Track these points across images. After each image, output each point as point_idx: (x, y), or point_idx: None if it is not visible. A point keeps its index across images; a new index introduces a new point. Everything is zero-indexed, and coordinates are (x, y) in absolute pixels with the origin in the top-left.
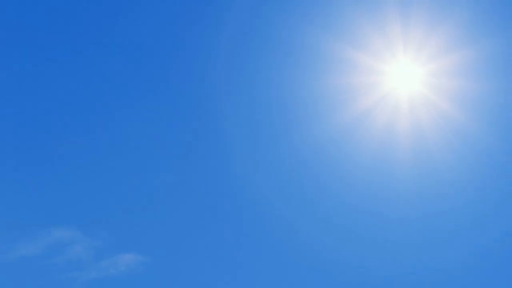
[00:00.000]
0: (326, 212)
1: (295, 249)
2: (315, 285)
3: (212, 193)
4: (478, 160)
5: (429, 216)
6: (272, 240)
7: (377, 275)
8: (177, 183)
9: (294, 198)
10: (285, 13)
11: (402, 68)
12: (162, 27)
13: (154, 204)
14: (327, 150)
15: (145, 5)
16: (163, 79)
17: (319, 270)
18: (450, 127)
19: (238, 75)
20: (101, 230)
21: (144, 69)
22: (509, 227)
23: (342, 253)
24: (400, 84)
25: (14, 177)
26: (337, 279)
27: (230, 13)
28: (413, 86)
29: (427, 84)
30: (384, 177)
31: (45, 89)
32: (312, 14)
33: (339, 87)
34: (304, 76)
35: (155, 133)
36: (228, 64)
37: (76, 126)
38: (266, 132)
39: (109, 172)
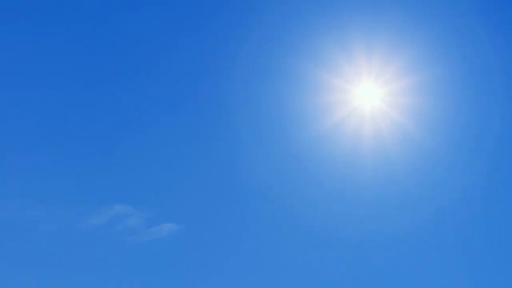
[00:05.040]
0: (315, 194)
1: (285, 217)
2: (303, 247)
3: (228, 178)
4: (426, 162)
5: (385, 203)
6: (271, 211)
7: (347, 241)
8: (203, 172)
9: (287, 184)
10: (279, 46)
11: (366, 88)
12: (194, 56)
13: (187, 187)
14: (312, 151)
15: (182, 41)
16: (192, 95)
17: (301, 232)
18: (405, 137)
19: (245, 94)
20: (149, 206)
21: (179, 88)
22: (446, 206)
23: (321, 223)
24: (364, 101)
25: (88, 166)
26: (319, 243)
27: (242, 49)
28: (375, 103)
29: (387, 102)
30: (352, 175)
31: (111, 100)
32: (296, 47)
33: (315, 103)
34: (291, 94)
35: (186, 133)
36: (238, 85)
37: (132, 129)
38: (266, 136)
39: (155, 162)
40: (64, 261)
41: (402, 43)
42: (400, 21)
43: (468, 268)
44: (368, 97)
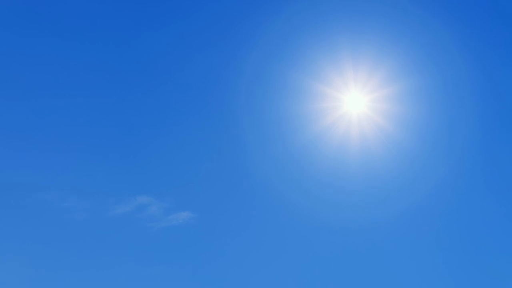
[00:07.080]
0: (309, 186)
1: (285, 207)
2: (299, 231)
3: (235, 174)
4: (404, 160)
5: (370, 194)
6: (272, 202)
7: (336, 225)
8: (214, 168)
9: (286, 178)
10: (279, 61)
11: (352, 95)
12: (206, 70)
13: (200, 181)
14: (307, 150)
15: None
16: (205, 103)
17: (298, 219)
18: (386, 138)
19: (249, 101)
20: (168, 197)
21: (194, 96)
22: (421, 197)
23: (311, 212)
24: (351, 108)
25: (115, 163)
26: (313, 227)
27: (247, 64)
28: (361, 109)
29: (371, 108)
30: (341, 171)
31: (138, 107)
32: (293, 61)
33: (309, 110)
34: (289, 102)
35: (200, 135)
36: (244, 94)
37: (154, 132)
38: (268, 137)
39: (173, 160)
40: (94, 245)
41: (385, 57)
42: (381, 39)
43: (439, 250)
44: (355, 104)
